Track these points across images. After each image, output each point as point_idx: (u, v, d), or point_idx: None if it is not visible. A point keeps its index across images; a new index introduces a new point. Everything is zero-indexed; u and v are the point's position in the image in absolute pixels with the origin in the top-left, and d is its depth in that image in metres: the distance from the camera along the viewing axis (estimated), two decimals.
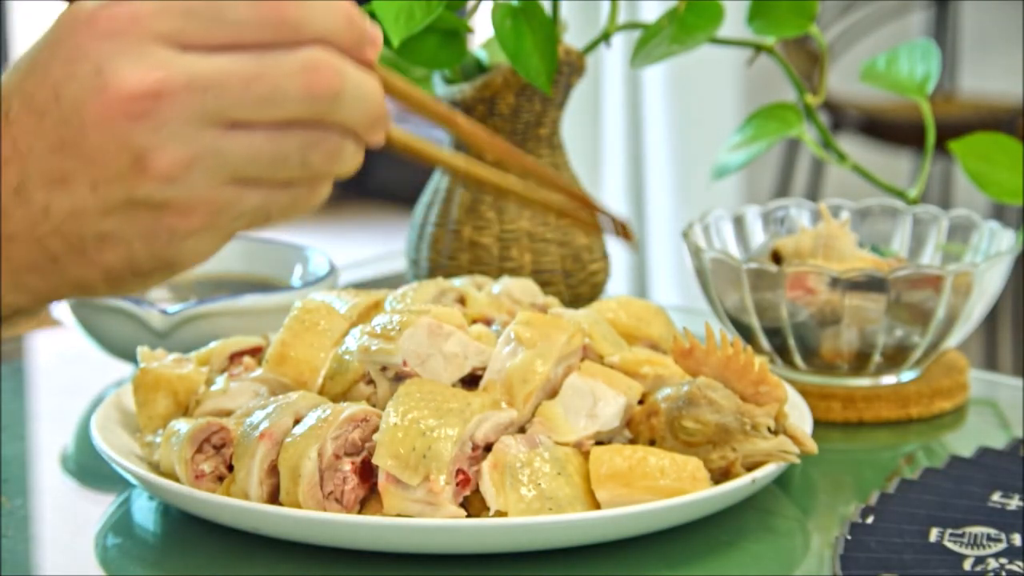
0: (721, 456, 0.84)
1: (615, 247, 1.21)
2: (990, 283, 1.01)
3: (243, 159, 0.58)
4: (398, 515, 0.79)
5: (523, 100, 1.06)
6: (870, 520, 0.84)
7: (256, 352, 0.94)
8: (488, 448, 0.81)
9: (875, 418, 1.01)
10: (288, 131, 0.59)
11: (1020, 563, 0.79)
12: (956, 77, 3.53)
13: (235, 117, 0.58)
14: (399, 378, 0.85)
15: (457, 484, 0.80)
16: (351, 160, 0.61)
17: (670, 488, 0.81)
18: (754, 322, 1.01)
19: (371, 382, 0.87)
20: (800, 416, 0.90)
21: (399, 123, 0.64)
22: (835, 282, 0.98)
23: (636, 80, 2.79)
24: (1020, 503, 0.86)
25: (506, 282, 0.98)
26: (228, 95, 0.57)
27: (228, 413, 0.87)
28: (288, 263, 1.14)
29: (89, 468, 0.95)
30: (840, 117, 3.16)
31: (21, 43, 3.86)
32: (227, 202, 0.59)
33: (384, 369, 0.85)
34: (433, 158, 0.68)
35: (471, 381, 0.86)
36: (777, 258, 1.04)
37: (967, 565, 0.79)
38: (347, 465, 0.80)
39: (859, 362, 1.01)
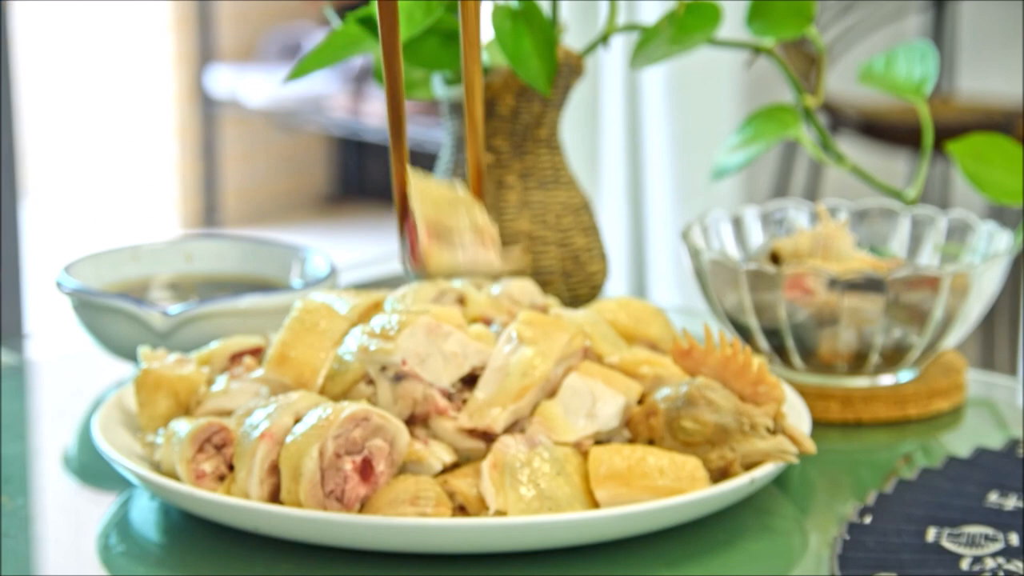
0: (720, 456, 0.84)
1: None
2: (988, 284, 1.01)
3: None
4: (447, 272, 0.80)
5: (522, 102, 1.07)
6: (868, 520, 0.84)
7: (257, 352, 0.94)
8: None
9: (873, 418, 1.01)
10: None
11: (1018, 563, 0.79)
12: (954, 78, 3.53)
13: None
14: (399, 378, 0.85)
15: None
16: None
17: (669, 488, 0.81)
18: (752, 322, 1.01)
19: (371, 382, 0.87)
20: (798, 416, 0.91)
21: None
22: (833, 283, 0.98)
23: (635, 81, 2.80)
24: (1017, 503, 0.86)
25: (506, 283, 0.98)
26: None
27: (229, 413, 0.88)
28: (288, 264, 1.14)
29: (90, 468, 0.95)
30: (839, 118, 3.17)
31: (21, 43, 3.86)
32: None
33: (384, 369, 0.86)
34: None
35: (471, 380, 0.86)
36: (775, 259, 1.05)
37: (964, 565, 0.79)
38: (348, 464, 0.81)
39: (857, 362, 1.01)
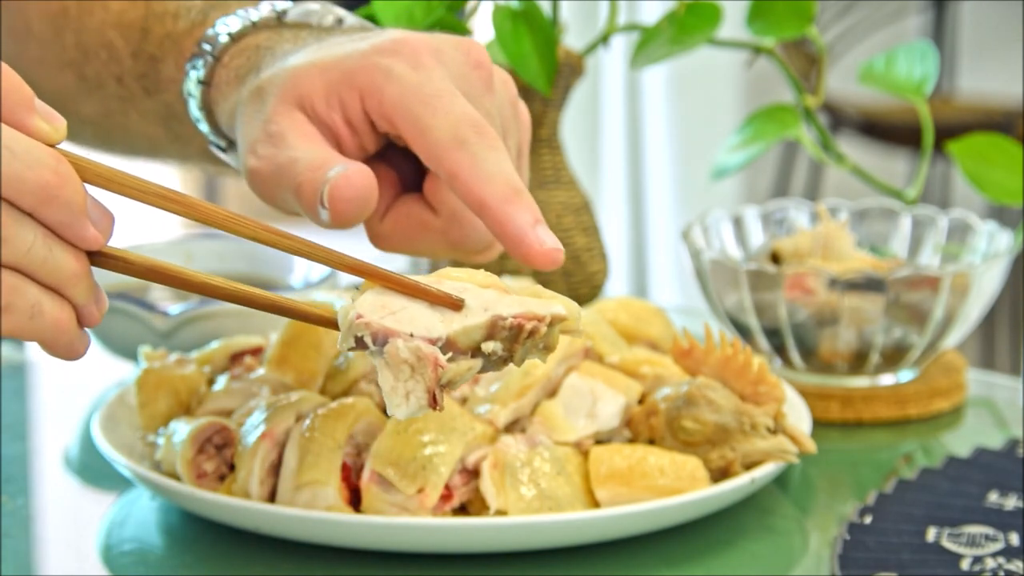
0: (720, 456, 0.84)
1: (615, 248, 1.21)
2: (988, 284, 1.01)
3: None
4: (375, 514, 0.80)
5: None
6: (868, 520, 0.84)
7: (257, 352, 0.94)
8: (475, 472, 0.82)
9: (873, 418, 1.01)
10: None
11: (1018, 562, 0.79)
12: (954, 78, 3.53)
13: None
14: (382, 344, 0.72)
15: (441, 498, 0.80)
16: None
17: (669, 487, 0.81)
18: (753, 322, 1.01)
19: (372, 382, 0.87)
20: (799, 416, 0.91)
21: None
22: (833, 283, 0.98)
23: (636, 81, 2.80)
24: (1017, 503, 0.86)
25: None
26: None
27: (229, 413, 0.88)
28: (288, 263, 1.14)
29: (91, 467, 0.95)
30: (839, 118, 3.17)
31: None
32: None
33: (368, 347, 0.72)
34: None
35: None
36: (776, 259, 1.05)
37: (965, 565, 0.79)
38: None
39: (857, 362, 1.01)
